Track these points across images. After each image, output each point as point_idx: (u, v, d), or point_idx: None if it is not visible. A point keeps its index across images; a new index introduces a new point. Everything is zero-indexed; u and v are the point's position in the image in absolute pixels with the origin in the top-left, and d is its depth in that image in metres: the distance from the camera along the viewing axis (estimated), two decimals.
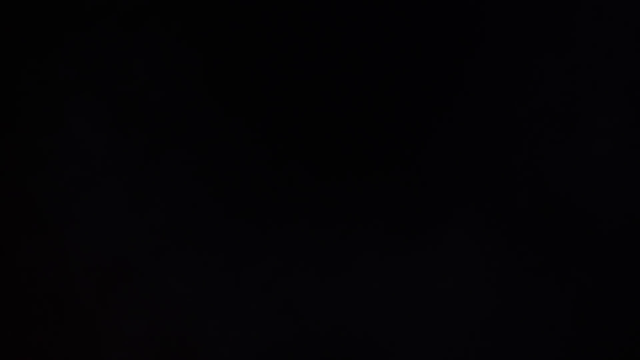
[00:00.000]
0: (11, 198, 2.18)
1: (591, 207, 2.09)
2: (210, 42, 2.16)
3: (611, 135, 2.09)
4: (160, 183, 2.16)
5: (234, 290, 2.15)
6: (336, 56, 2.13)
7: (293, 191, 2.14)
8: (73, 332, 2.16)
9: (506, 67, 2.11)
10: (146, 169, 2.16)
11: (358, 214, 2.13)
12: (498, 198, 2.10)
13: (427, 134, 2.12)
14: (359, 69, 2.13)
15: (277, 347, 2.14)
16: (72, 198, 2.17)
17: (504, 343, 2.09)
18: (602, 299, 2.08)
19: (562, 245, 2.09)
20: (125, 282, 2.17)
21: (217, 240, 2.16)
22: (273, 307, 2.13)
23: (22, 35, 2.19)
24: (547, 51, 2.10)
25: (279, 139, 2.14)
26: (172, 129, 2.16)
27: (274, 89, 2.14)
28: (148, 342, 2.15)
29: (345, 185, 2.13)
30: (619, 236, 2.08)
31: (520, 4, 2.11)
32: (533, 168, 2.10)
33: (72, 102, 2.17)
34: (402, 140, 2.12)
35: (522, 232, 2.09)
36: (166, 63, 2.17)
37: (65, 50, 2.17)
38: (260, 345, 2.14)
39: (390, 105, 2.12)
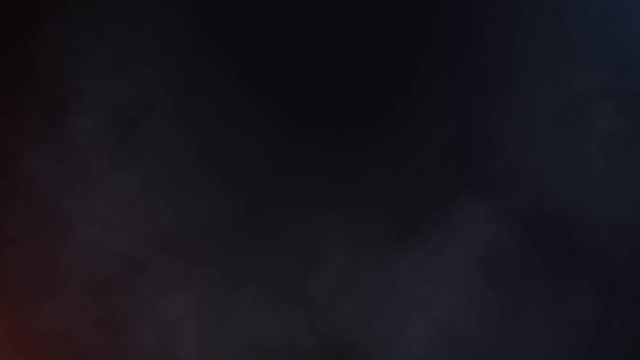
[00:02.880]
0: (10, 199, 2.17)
1: (588, 208, 2.10)
2: (217, 43, 2.15)
3: (610, 136, 2.10)
4: (164, 188, 2.15)
5: (235, 301, 2.14)
6: (336, 57, 2.13)
7: (296, 191, 2.13)
8: (71, 344, 2.15)
9: (505, 67, 2.11)
10: (150, 172, 2.15)
11: (361, 216, 2.13)
12: (499, 197, 2.10)
13: (428, 132, 2.12)
14: (363, 70, 2.13)
15: (277, 355, 2.13)
16: (73, 202, 2.16)
17: (505, 339, 2.09)
18: (601, 296, 2.09)
19: (562, 245, 2.09)
20: (125, 292, 2.15)
21: (219, 252, 2.15)
22: (274, 315, 2.12)
23: (23, 35, 2.17)
24: (548, 52, 2.10)
25: (280, 139, 2.13)
26: (178, 132, 2.15)
27: (274, 90, 2.14)
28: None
29: (347, 185, 2.13)
30: (616, 233, 2.09)
31: (522, 6, 2.12)
32: (534, 168, 2.10)
33: (76, 102, 2.16)
34: (404, 139, 2.12)
35: (522, 232, 2.10)
36: (171, 63, 2.16)
37: (69, 49, 2.16)
38: (263, 351, 2.13)
39: (391, 103, 2.12)
